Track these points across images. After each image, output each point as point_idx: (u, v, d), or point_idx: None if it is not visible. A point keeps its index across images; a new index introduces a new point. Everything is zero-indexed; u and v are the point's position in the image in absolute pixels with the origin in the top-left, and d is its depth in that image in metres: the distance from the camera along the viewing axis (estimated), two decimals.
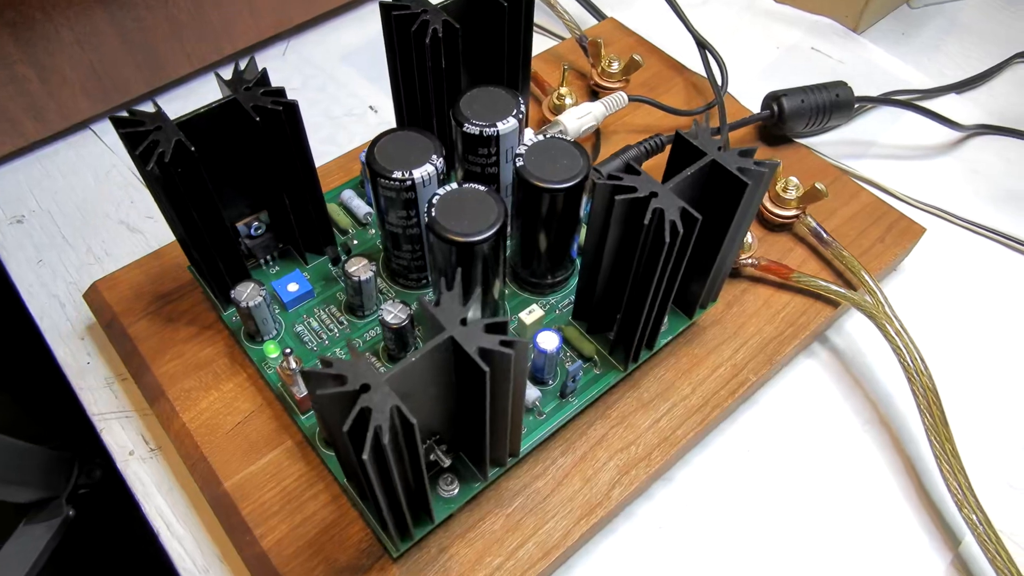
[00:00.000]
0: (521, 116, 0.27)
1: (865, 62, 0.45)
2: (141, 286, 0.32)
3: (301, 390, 0.26)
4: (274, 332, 0.28)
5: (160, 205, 0.26)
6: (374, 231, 0.32)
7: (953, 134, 0.41)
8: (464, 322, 0.19)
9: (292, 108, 0.24)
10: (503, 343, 0.19)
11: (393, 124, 0.41)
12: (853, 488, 0.29)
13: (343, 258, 0.30)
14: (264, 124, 0.24)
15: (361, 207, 0.32)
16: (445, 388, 0.21)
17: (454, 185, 0.24)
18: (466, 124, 0.26)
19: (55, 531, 0.39)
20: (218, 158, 0.25)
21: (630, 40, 0.42)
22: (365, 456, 0.17)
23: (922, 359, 0.29)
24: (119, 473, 0.30)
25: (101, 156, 0.40)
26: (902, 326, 0.30)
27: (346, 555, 0.25)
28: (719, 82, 0.37)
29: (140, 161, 0.23)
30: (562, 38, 0.44)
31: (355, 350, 0.19)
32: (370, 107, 0.42)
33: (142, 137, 0.23)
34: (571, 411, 0.27)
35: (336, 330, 0.29)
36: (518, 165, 0.25)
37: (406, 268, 0.29)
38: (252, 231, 0.29)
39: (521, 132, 0.27)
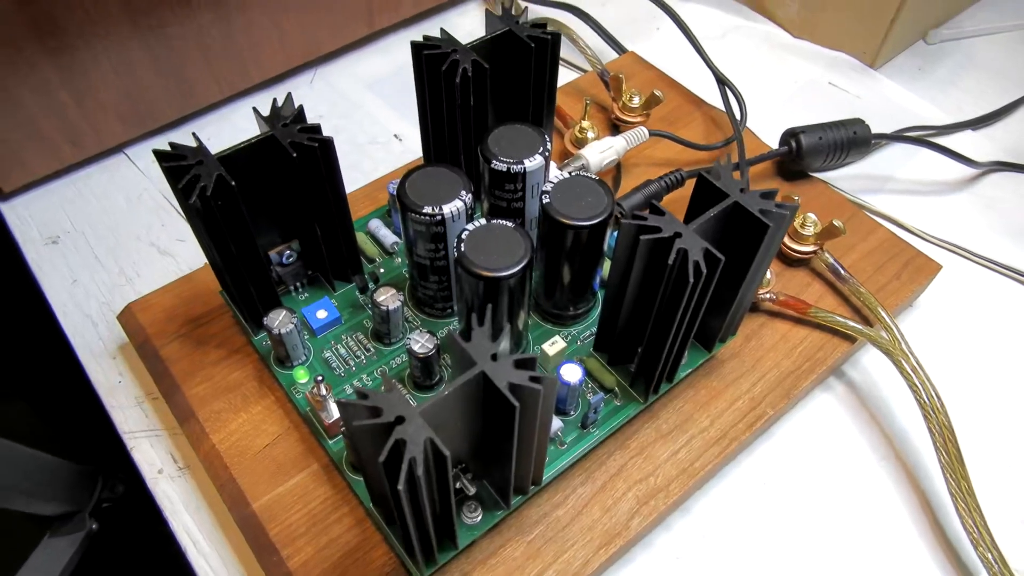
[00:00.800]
0: (547, 154, 0.28)
1: (882, 97, 0.45)
2: (173, 309, 0.32)
3: (330, 416, 0.26)
4: (303, 358, 0.29)
5: (198, 235, 0.26)
6: (400, 259, 0.32)
7: (969, 171, 0.41)
8: (495, 357, 0.20)
9: (327, 145, 0.25)
10: (532, 379, 0.20)
11: (418, 152, 0.42)
12: (868, 524, 0.30)
13: (371, 287, 0.31)
14: (300, 160, 0.25)
15: (388, 236, 0.32)
16: (473, 419, 0.22)
17: (482, 221, 0.25)
18: (494, 161, 0.27)
19: (78, 544, 0.40)
20: (254, 190, 0.26)
21: (650, 74, 0.43)
22: (400, 487, 0.18)
23: (938, 396, 0.30)
24: (147, 490, 0.30)
25: (134, 180, 0.41)
26: (918, 363, 0.30)
27: None
28: (738, 117, 0.38)
29: (182, 194, 0.24)
30: (583, 71, 0.45)
31: (389, 380, 0.20)
32: (395, 135, 0.43)
33: (184, 171, 0.24)
34: (592, 441, 0.28)
35: (363, 357, 0.29)
36: (544, 203, 0.26)
37: (432, 298, 0.29)
38: (284, 259, 0.30)
39: (546, 169, 0.28)
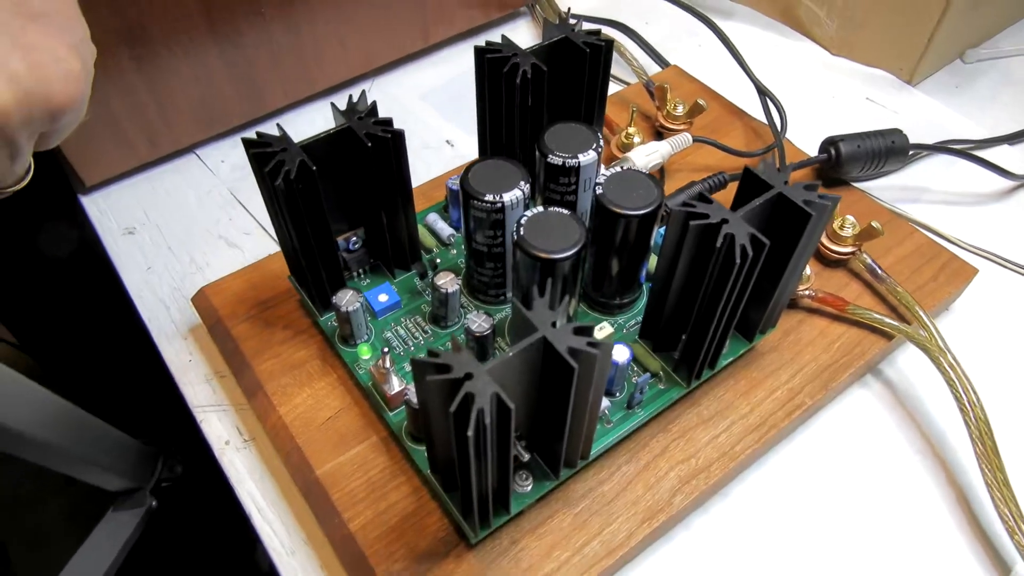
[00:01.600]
0: (600, 150, 0.30)
1: (919, 112, 0.47)
2: (243, 293, 0.35)
3: (392, 388, 0.28)
4: (365, 336, 0.31)
5: (276, 218, 0.29)
6: (455, 251, 0.34)
7: (1006, 183, 0.42)
8: (555, 324, 0.22)
9: (399, 136, 0.28)
10: (590, 344, 0.21)
11: (467, 157, 0.44)
12: (905, 514, 0.30)
13: (430, 273, 0.33)
14: (374, 149, 0.27)
15: (445, 229, 0.34)
16: (530, 387, 0.23)
17: (540, 208, 0.27)
18: (550, 155, 0.29)
19: (140, 520, 0.42)
20: (329, 178, 0.29)
21: (693, 86, 0.45)
22: (470, 433, 0.20)
23: (974, 391, 0.31)
24: (215, 460, 0.32)
25: (203, 178, 0.44)
26: (955, 359, 0.31)
27: (425, 542, 0.27)
28: (778, 126, 0.39)
29: (268, 177, 0.26)
30: (628, 83, 0.47)
31: (458, 343, 0.21)
32: (446, 141, 0.46)
33: (270, 156, 0.26)
34: (636, 422, 0.29)
35: (421, 338, 0.31)
36: (598, 193, 0.28)
37: (487, 284, 0.31)
38: (350, 246, 0.32)
39: (599, 165, 0.30)
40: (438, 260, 0.34)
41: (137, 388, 0.51)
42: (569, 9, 0.32)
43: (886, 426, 0.33)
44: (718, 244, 0.24)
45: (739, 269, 0.24)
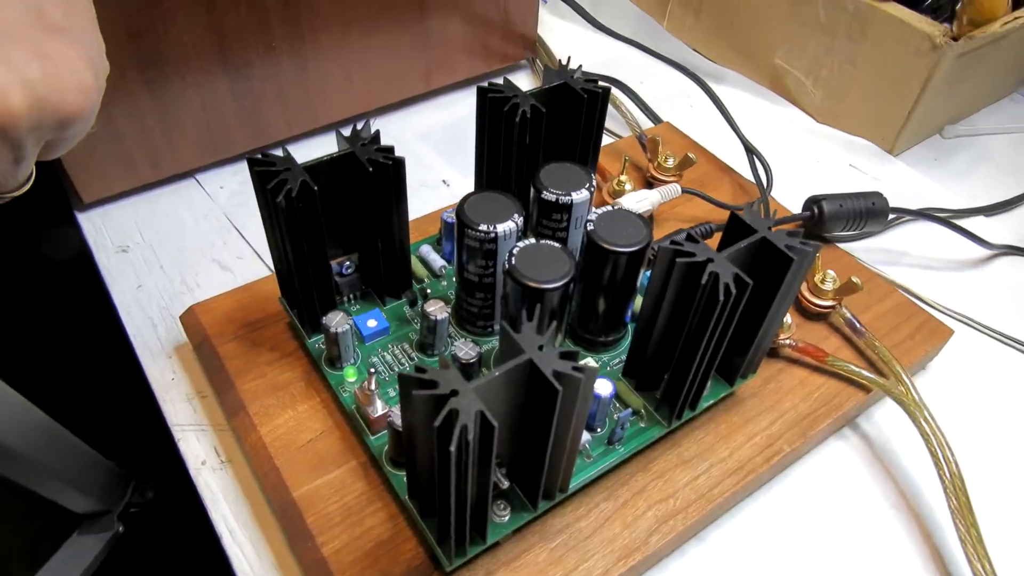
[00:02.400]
0: (592, 189, 0.31)
1: (899, 181, 0.49)
2: (232, 313, 0.35)
3: (376, 410, 0.28)
4: (352, 360, 0.31)
5: (274, 236, 0.29)
6: (445, 283, 0.35)
7: (982, 251, 0.44)
8: (541, 348, 0.22)
9: (400, 164, 0.28)
10: (575, 368, 0.22)
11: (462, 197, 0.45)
12: (879, 568, 0.30)
13: (419, 301, 0.33)
14: (375, 175, 0.28)
15: (437, 260, 0.35)
16: (514, 410, 0.24)
17: (533, 240, 0.28)
18: (544, 191, 0.30)
19: (104, 544, 0.41)
20: (329, 201, 0.29)
21: (683, 142, 0.46)
22: (452, 448, 0.20)
23: (949, 447, 0.31)
24: (191, 481, 0.32)
25: (201, 202, 0.44)
26: (931, 415, 0.32)
27: (399, 569, 0.27)
28: (764, 182, 0.41)
29: (270, 194, 0.27)
30: (620, 136, 0.49)
31: (446, 361, 0.22)
32: (443, 181, 0.47)
33: (273, 175, 0.27)
34: (616, 458, 0.29)
35: (407, 365, 0.31)
36: (589, 229, 0.29)
37: (475, 315, 0.32)
38: (343, 270, 0.32)
39: (591, 203, 0.31)
40: (428, 290, 0.34)
41: (116, 405, 0.51)
42: (569, 57, 0.34)
43: (862, 479, 0.33)
44: (703, 281, 0.25)
45: (722, 307, 0.25)
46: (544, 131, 0.32)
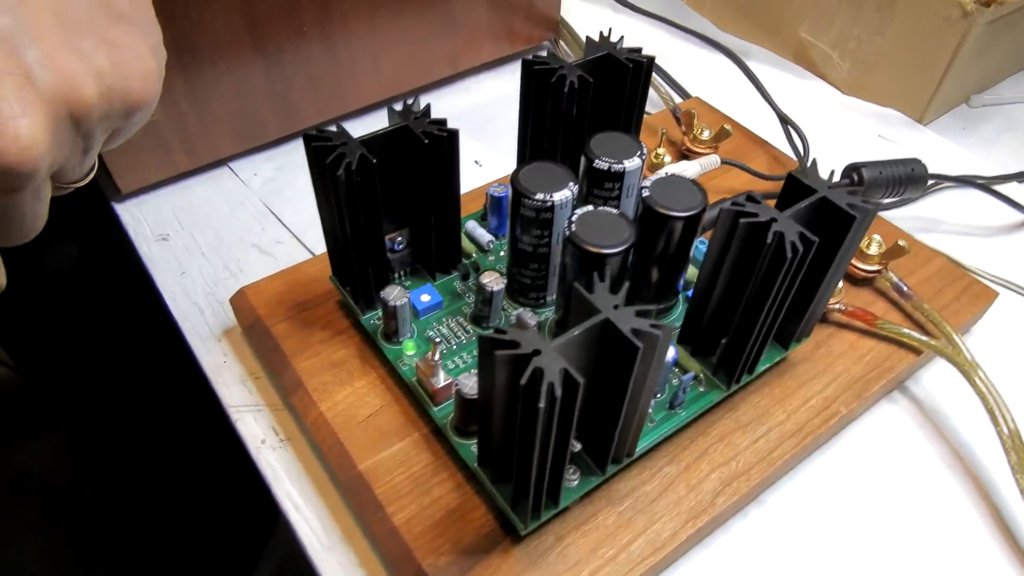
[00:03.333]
0: (644, 157, 0.31)
1: (929, 150, 0.49)
2: (282, 294, 0.35)
3: (439, 381, 0.29)
4: (409, 334, 0.31)
5: (330, 213, 0.29)
6: (493, 257, 0.35)
7: (1018, 216, 0.44)
8: (616, 307, 0.22)
9: (454, 135, 0.29)
10: (653, 325, 0.22)
11: (494, 176, 0.45)
12: (938, 527, 0.31)
13: (472, 275, 0.34)
14: (430, 147, 0.28)
15: (484, 235, 0.35)
16: (585, 373, 0.24)
17: (591, 207, 0.28)
18: (596, 160, 0.30)
19: None
20: (382, 176, 0.29)
21: (714, 116, 0.46)
22: (542, 404, 0.20)
23: (1006, 405, 0.31)
24: (251, 460, 0.32)
25: (235, 190, 0.44)
26: (985, 374, 0.32)
27: (470, 537, 0.27)
28: (801, 151, 0.41)
29: (329, 169, 0.27)
30: (648, 112, 0.49)
31: (524, 320, 0.22)
32: (475, 161, 0.47)
33: (330, 150, 0.27)
34: (678, 422, 0.29)
35: (463, 337, 0.32)
36: (644, 196, 0.29)
37: (528, 287, 0.32)
38: (395, 246, 0.32)
39: (641, 172, 0.31)
40: (480, 262, 0.35)
41: (167, 389, 0.51)
42: (611, 29, 0.34)
43: (915, 440, 0.33)
44: (768, 240, 0.25)
45: (788, 266, 0.25)
46: (590, 102, 0.32)
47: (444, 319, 0.32)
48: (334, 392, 0.31)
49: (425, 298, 0.32)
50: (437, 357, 0.28)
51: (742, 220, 0.26)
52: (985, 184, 0.42)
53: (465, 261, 0.35)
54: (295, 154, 0.47)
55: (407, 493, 0.28)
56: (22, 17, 0.21)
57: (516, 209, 0.29)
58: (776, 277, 0.25)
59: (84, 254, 0.52)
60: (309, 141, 0.28)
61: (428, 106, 0.30)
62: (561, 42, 0.55)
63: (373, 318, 0.32)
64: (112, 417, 0.44)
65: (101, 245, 0.51)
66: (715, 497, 0.29)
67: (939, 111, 0.51)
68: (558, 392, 0.20)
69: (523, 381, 0.20)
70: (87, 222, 0.48)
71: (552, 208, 0.29)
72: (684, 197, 0.29)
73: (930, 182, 0.42)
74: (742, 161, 0.43)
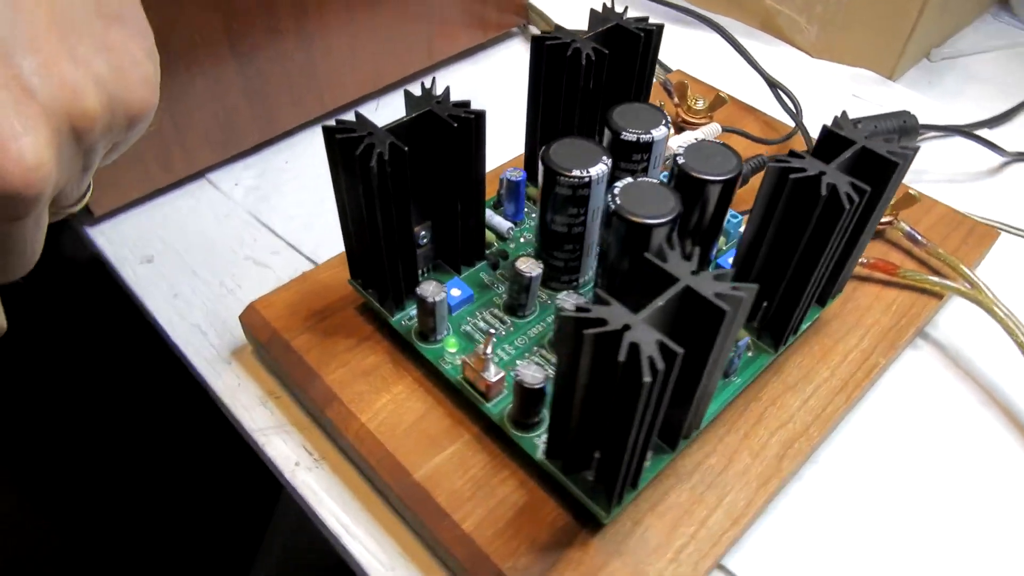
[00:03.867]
0: (669, 125, 0.30)
1: (903, 105, 0.50)
2: (295, 305, 0.33)
3: (491, 376, 0.27)
4: (447, 331, 0.30)
5: (356, 209, 0.28)
6: (514, 244, 0.34)
7: (998, 159, 0.45)
8: (695, 273, 0.22)
9: (481, 116, 0.27)
10: (735, 288, 0.21)
11: (488, 165, 0.44)
12: (983, 462, 0.31)
13: (501, 263, 0.32)
14: (459, 130, 0.27)
15: (502, 223, 0.34)
16: None
17: (630, 179, 0.27)
18: (624, 132, 0.29)
19: None
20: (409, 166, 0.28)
21: (700, 87, 0.46)
22: (647, 378, 0.19)
23: None
24: (287, 484, 0.30)
25: (218, 202, 0.42)
26: (1008, 308, 0.33)
27: (544, 534, 0.26)
28: (794, 112, 0.41)
29: (359, 161, 0.25)
30: None
31: (604, 295, 0.21)
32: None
33: (358, 141, 0.26)
34: (735, 390, 0.29)
35: (501, 329, 0.30)
36: (680, 163, 0.28)
37: (561, 270, 0.31)
38: (419, 240, 0.31)
39: (667, 140, 0.30)
40: (506, 250, 0.33)
41: (175, 419, 0.47)
42: (613, 1, 0.33)
43: (945, 382, 0.34)
44: (823, 193, 0.25)
45: (846, 217, 0.25)
46: (605, 74, 0.31)
47: (477, 312, 0.31)
48: (372, 401, 0.30)
49: (456, 292, 0.31)
50: (489, 351, 0.27)
51: (792, 176, 0.25)
52: (968, 131, 0.43)
53: (488, 251, 0.33)
54: (276, 159, 0.44)
55: (470, 497, 0.27)
56: (15, 21, 0.19)
57: (549, 189, 0.28)
58: (832, 231, 0.25)
59: (59, 284, 0.48)
60: (332, 133, 0.26)
61: (448, 88, 0.28)
62: (531, 27, 0.54)
63: (403, 319, 0.31)
64: (116, 448, 0.41)
65: (77, 273, 0.47)
66: (780, 461, 0.28)
67: (906, 67, 0.52)
68: (660, 365, 0.19)
69: (622, 358, 0.19)
70: (56, 250, 0.44)
71: (589, 184, 0.28)
72: (719, 161, 0.28)
73: (921, 132, 0.43)
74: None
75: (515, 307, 0.31)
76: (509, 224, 0.34)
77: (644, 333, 0.20)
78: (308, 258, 0.39)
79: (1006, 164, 0.46)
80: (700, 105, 0.41)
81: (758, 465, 0.28)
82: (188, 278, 0.38)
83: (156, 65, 0.23)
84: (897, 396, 0.33)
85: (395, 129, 0.27)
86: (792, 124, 0.42)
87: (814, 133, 0.43)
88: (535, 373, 0.26)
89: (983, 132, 0.47)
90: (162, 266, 0.38)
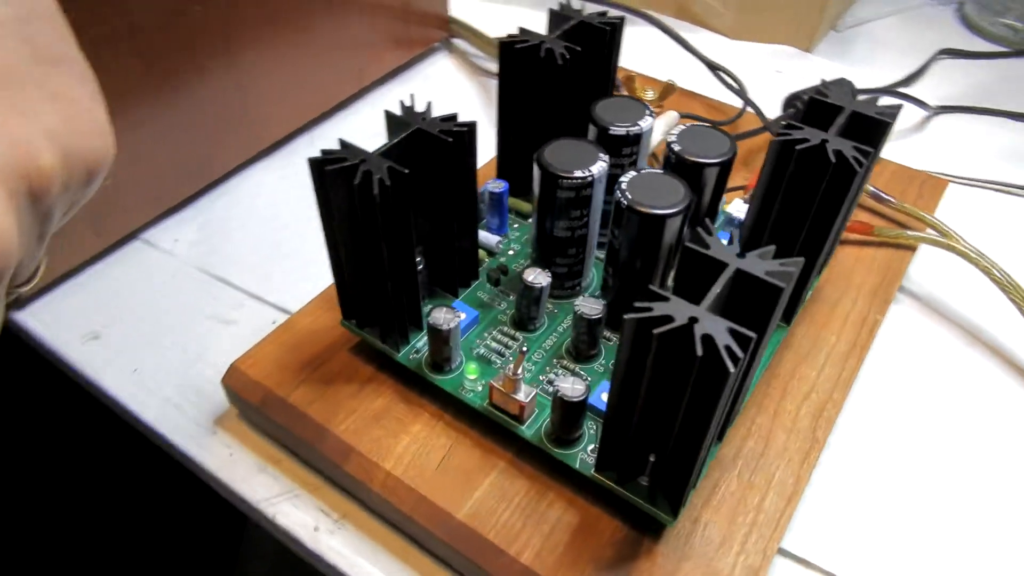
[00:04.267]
0: (654, 114, 0.30)
1: (826, 75, 0.52)
2: (281, 358, 0.30)
3: (524, 396, 0.26)
4: (461, 359, 0.28)
5: (354, 244, 0.26)
6: (504, 258, 0.33)
7: (923, 114, 0.48)
8: (740, 255, 0.21)
9: (473, 128, 0.26)
10: (782, 264, 0.21)
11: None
12: (983, 400, 0.32)
13: (501, 278, 0.31)
14: (454, 145, 0.25)
15: (491, 237, 0.33)
16: None
17: (633, 173, 0.27)
18: (612, 127, 0.29)
19: None
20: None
21: (644, 79, 0.46)
22: (733, 368, 0.18)
23: (1008, 273, 0.33)
24: (309, 552, 0.28)
25: (160, 262, 0.38)
26: (980, 251, 0.34)
27: (607, 550, 0.25)
28: (738, 90, 0.42)
29: (359, 191, 0.23)
30: None
31: (661, 291, 0.20)
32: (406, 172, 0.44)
33: (351, 171, 0.24)
34: (763, 368, 0.29)
35: (515, 346, 0.29)
36: (676, 149, 0.28)
37: (563, 276, 0.30)
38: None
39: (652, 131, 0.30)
40: (505, 264, 0.32)
41: (163, 504, 0.42)
42: (563, 2, 0.32)
43: (929, 331, 0.35)
44: (833, 160, 0.25)
45: (857, 181, 0.25)
46: (580, 72, 0.31)
47: (485, 333, 0.29)
48: (392, 446, 0.27)
49: (461, 316, 0.29)
50: (520, 372, 0.25)
51: (798, 147, 0.25)
52: (895, 91, 0.46)
53: (485, 268, 0.32)
54: (216, 207, 0.41)
55: (522, 527, 0.25)
56: None
57: (549, 194, 0.27)
58: (842, 197, 0.25)
59: None
60: (321, 166, 0.24)
61: (429, 103, 0.27)
62: (454, 40, 0.53)
63: (410, 353, 0.29)
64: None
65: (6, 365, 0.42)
66: (814, 431, 0.28)
67: (821, 37, 0.55)
68: (740, 353, 0.19)
69: (699, 352, 0.18)
70: None
71: (592, 184, 0.27)
72: (713, 143, 0.28)
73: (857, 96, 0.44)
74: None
75: (525, 321, 0.29)
76: (497, 238, 0.33)
77: (713, 323, 0.19)
78: (277, 307, 0.36)
79: (931, 117, 0.48)
80: (651, 96, 0.42)
81: (795, 440, 0.28)
82: (146, 350, 0.34)
83: (105, 109, 0.20)
84: (891, 350, 0.34)
85: (387, 153, 0.25)
86: (738, 104, 0.43)
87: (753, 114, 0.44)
88: (575, 385, 0.24)
89: (904, 91, 0.50)
90: (112, 342, 0.34)
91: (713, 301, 0.20)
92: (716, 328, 0.19)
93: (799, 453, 0.28)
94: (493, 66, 0.52)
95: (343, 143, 0.25)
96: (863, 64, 0.54)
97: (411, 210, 0.25)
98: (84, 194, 0.20)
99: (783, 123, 0.26)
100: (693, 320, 0.19)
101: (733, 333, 0.19)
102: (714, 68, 0.44)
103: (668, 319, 0.19)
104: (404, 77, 0.51)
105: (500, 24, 0.55)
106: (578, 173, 0.26)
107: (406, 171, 0.24)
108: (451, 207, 0.27)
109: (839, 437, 0.30)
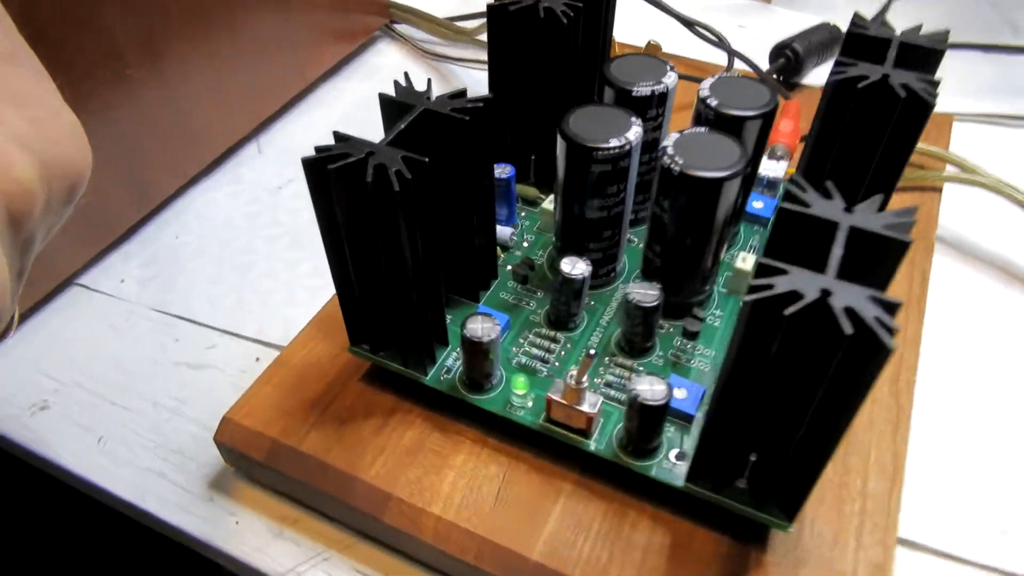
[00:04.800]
0: (675, 71, 0.26)
1: (788, 28, 0.50)
2: (282, 401, 0.26)
3: (590, 407, 0.22)
4: (500, 372, 0.24)
5: (370, 252, 0.21)
6: (519, 252, 0.29)
7: None
8: (848, 210, 0.18)
9: (490, 103, 0.22)
10: (897, 215, 0.18)
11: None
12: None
13: (529, 275, 0.27)
14: (472, 124, 0.21)
15: (503, 231, 0.29)
16: None
17: (676, 134, 0.23)
18: (635, 88, 0.25)
19: None
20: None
21: (618, 46, 0.43)
22: (893, 345, 0.15)
23: None
24: None
25: (106, 307, 0.33)
26: (1011, 183, 0.32)
27: (712, 569, 0.21)
28: (720, 42, 0.39)
29: (375, 187, 0.19)
30: None
31: (773, 263, 0.17)
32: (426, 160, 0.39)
33: (360, 166, 0.19)
34: None
35: (554, 350, 0.25)
36: (714, 104, 0.24)
37: (599, 262, 0.26)
38: None
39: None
40: (524, 256, 0.28)
41: None
42: None
43: (965, 269, 0.33)
44: (902, 96, 0.22)
45: (929, 114, 0.22)
46: (581, 33, 0.27)
47: (519, 338, 0.26)
48: (436, 485, 0.23)
49: (498, 324, 0.25)
50: (584, 380, 0.22)
51: (859, 85, 0.22)
52: None
53: (510, 265, 0.28)
54: (163, 236, 0.36)
55: (608, 558, 0.22)
56: None
57: (580, 171, 0.23)
58: (915, 134, 0.23)
59: None
60: (322, 165, 0.19)
61: (429, 80, 0.23)
62: (396, 26, 0.49)
63: (440, 374, 0.25)
64: None
65: None
66: (896, 399, 0.26)
67: None
68: (893, 324, 0.15)
69: (848, 331, 0.15)
70: None
71: (630, 153, 0.23)
72: (751, 94, 0.25)
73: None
74: None
75: (564, 319, 0.26)
76: (510, 230, 0.29)
77: (850, 293, 0.16)
78: (258, 341, 0.31)
79: None
80: None
81: (879, 410, 0.25)
82: (108, 413, 0.29)
83: (71, 111, 0.17)
84: (944, 299, 0.32)
85: (395, 141, 0.21)
86: (719, 62, 0.40)
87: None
88: (654, 386, 0.21)
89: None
90: (65, 409, 0.29)
91: (837, 267, 0.17)
92: (856, 299, 0.16)
93: (888, 425, 0.25)
94: (442, 48, 0.48)
95: (339, 135, 0.20)
96: (824, 10, 0.52)
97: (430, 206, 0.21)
98: (62, 214, 0.17)
99: (837, 61, 0.23)
100: (826, 293, 0.16)
101: (877, 302, 0.16)
102: (691, 24, 0.41)
103: (796, 296, 0.16)
104: (349, 70, 0.46)
105: (443, 4, 0.51)
106: (614, 142, 0.23)
107: (426, 160, 0.20)
108: (468, 199, 0.23)
109: (920, 402, 0.28)
